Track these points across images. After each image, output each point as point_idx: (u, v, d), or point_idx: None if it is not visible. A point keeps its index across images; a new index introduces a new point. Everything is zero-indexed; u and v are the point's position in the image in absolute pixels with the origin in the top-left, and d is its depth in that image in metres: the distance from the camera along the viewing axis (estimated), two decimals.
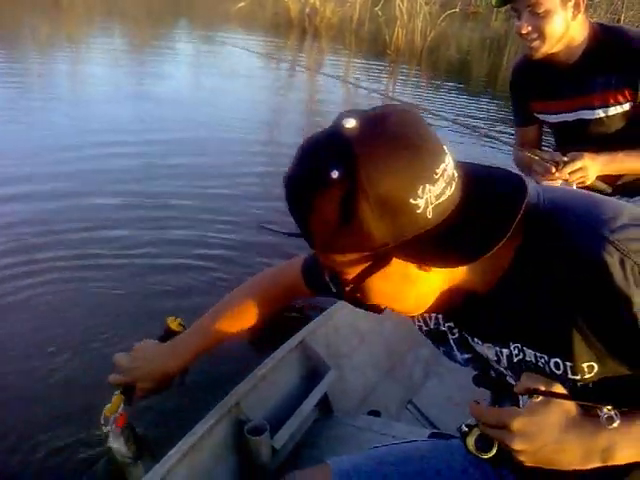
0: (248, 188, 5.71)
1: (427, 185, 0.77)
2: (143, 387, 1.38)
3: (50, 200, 4.76)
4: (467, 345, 1.05)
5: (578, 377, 0.87)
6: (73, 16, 18.13)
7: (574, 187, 1.92)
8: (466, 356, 1.07)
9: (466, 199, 0.82)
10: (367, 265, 0.84)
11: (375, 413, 2.06)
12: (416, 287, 0.88)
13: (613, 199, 0.90)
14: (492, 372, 1.06)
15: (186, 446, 1.41)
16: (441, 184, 0.79)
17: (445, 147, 0.82)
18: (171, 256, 4.00)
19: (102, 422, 1.38)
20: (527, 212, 0.82)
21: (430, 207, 0.78)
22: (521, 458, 0.84)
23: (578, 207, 0.85)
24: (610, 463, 0.82)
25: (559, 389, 0.86)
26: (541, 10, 1.90)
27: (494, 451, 0.89)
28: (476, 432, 0.91)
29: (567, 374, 0.87)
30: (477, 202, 0.82)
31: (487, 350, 1.00)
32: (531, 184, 0.87)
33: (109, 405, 1.38)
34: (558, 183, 1.95)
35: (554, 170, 1.93)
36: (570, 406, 0.83)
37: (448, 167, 0.80)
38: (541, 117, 2.27)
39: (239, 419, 1.60)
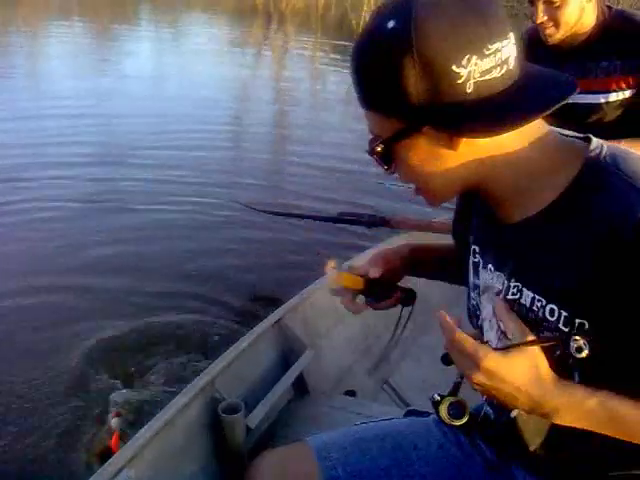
0: (217, 164, 5.75)
1: (474, 57, 0.78)
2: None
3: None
4: (478, 273, 1.05)
5: (567, 330, 0.86)
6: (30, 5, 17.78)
7: None
8: (477, 282, 1.06)
9: (510, 88, 0.82)
10: (400, 129, 0.85)
11: (351, 393, 2.06)
12: (443, 166, 0.88)
13: None
14: (476, 318, 1.07)
15: (158, 424, 1.39)
16: (490, 62, 0.79)
17: (510, 33, 0.82)
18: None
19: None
20: (587, 160, 0.84)
21: (472, 81, 0.79)
22: (474, 387, 0.86)
23: (635, 168, 0.84)
24: (555, 420, 0.85)
25: (530, 338, 0.86)
26: (557, 2, 1.89)
27: (466, 418, 0.92)
28: (448, 401, 0.93)
29: (559, 323, 0.87)
30: (518, 91, 0.82)
31: (496, 279, 0.99)
32: (597, 140, 0.88)
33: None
34: None
35: None
36: (540, 361, 0.83)
37: (504, 50, 0.80)
38: None
39: (213, 397, 1.58)
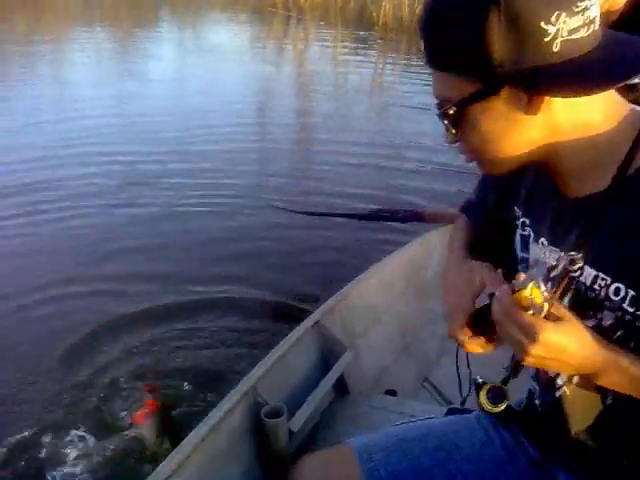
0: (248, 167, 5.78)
1: (563, 14, 0.74)
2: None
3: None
4: (527, 247, 1.03)
5: (632, 309, 0.85)
6: (52, 12, 18.11)
7: None
8: (525, 255, 1.05)
9: (596, 49, 0.79)
10: (476, 90, 0.81)
11: (391, 392, 2.06)
12: (517, 131, 0.84)
13: None
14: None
15: (203, 430, 1.41)
16: (578, 20, 0.76)
17: None
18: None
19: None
20: None
21: (559, 40, 0.75)
22: (528, 360, 0.83)
23: None
24: (591, 381, 0.85)
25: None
26: None
27: (504, 405, 0.92)
28: (489, 385, 0.93)
29: (624, 302, 0.86)
30: (605, 52, 0.79)
31: (549, 254, 0.97)
32: None
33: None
34: None
35: None
36: (582, 325, 0.83)
37: (592, 9, 0.77)
38: None
39: (256, 402, 1.60)
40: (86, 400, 2.63)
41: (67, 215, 4.57)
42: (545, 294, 0.81)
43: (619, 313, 0.86)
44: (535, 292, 0.91)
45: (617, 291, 0.86)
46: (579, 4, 0.75)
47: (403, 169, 5.74)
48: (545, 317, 0.81)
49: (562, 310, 0.83)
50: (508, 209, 1.09)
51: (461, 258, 1.22)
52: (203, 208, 4.76)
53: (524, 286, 0.80)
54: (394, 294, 2.41)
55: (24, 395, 2.69)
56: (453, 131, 0.87)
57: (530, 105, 0.81)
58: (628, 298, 0.85)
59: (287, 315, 3.15)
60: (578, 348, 0.81)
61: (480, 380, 0.94)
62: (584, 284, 0.90)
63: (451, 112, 0.84)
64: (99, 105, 7.95)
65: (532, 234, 1.01)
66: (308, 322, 1.95)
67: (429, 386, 2.25)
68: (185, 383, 2.67)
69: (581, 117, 0.84)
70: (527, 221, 1.03)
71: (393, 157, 6.28)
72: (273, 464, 1.57)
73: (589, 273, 0.89)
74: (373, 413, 1.86)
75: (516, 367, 0.94)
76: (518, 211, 1.06)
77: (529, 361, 0.83)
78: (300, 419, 1.62)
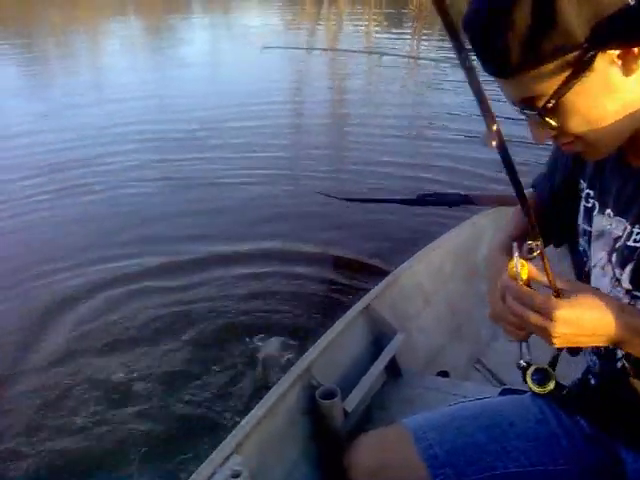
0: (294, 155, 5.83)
1: None
2: None
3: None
4: (591, 219, 1.03)
5: None
6: (86, 5, 18.53)
7: None
8: (587, 228, 1.05)
9: None
10: (569, 73, 0.79)
11: (443, 374, 2.08)
12: (618, 99, 0.83)
13: None
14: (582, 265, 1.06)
15: (261, 411, 1.47)
16: None
17: None
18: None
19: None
20: None
21: None
22: (555, 341, 0.84)
23: None
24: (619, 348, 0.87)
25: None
26: None
27: (551, 386, 0.93)
28: (532, 368, 0.94)
29: None
30: None
31: (615, 225, 0.97)
32: None
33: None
34: None
35: None
36: (601, 293, 0.84)
37: None
38: None
39: (310, 384, 1.65)
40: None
41: (112, 187, 5.02)
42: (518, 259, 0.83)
43: None
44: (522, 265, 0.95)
45: None
46: None
47: (443, 151, 5.69)
48: (556, 295, 0.82)
49: (571, 283, 0.85)
50: (575, 182, 1.09)
51: (499, 244, 1.23)
52: (245, 193, 4.90)
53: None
54: (444, 277, 2.42)
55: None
56: (554, 124, 0.85)
57: (625, 64, 0.79)
58: None
59: (337, 300, 3.21)
60: (598, 316, 0.82)
61: (524, 363, 0.95)
62: None
63: (550, 106, 0.82)
64: (136, 88, 8.42)
65: (597, 206, 1.01)
66: (359, 306, 1.98)
67: (481, 367, 2.27)
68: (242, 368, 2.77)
69: None
70: (591, 193, 1.03)
71: (433, 138, 6.26)
72: (329, 444, 1.61)
73: None
74: (426, 394, 1.89)
75: (553, 360, 0.97)
76: (583, 183, 1.07)
77: (557, 342, 0.84)
78: (354, 400, 1.66)
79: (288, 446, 1.55)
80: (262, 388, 2.43)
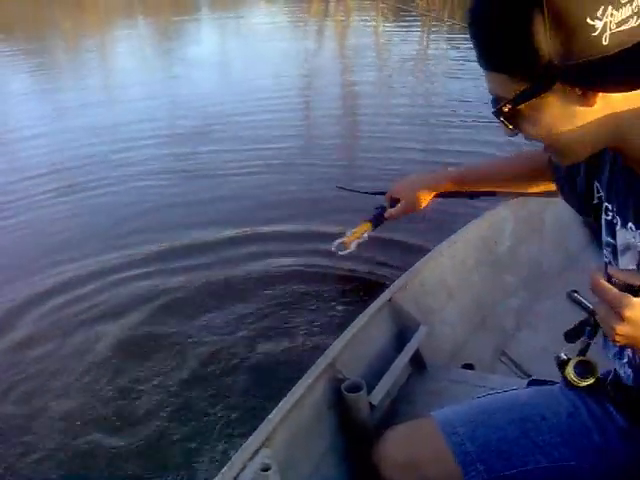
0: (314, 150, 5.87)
1: (610, 7, 0.74)
2: (403, 198, 1.65)
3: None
4: (614, 232, 1.02)
5: None
6: (94, 10, 18.73)
7: None
8: (610, 241, 1.05)
9: None
10: (529, 88, 0.82)
11: (469, 366, 2.07)
12: (576, 124, 0.85)
13: None
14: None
15: (288, 405, 1.47)
16: (627, 11, 0.75)
17: None
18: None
19: (335, 248, 1.64)
20: None
21: (608, 33, 0.75)
22: (617, 338, 0.83)
23: None
24: None
25: None
26: None
27: (593, 379, 0.93)
28: (575, 360, 0.93)
29: None
30: None
31: (638, 238, 0.96)
32: None
33: (351, 233, 1.64)
34: None
35: None
36: None
37: None
38: None
39: (336, 377, 1.65)
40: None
41: (128, 180, 5.19)
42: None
43: None
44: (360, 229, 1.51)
45: None
46: None
47: (457, 141, 5.68)
48: (635, 293, 0.80)
49: None
50: (590, 183, 1.08)
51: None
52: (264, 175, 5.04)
53: None
54: (467, 269, 2.41)
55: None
56: (510, 127, 0.89)
57: (585, 98, 0.81)
58: None
59: (359, 293, 3.21)
60: None
61: (565, 356, 0.94)
62: None
63: (506, 110, 0.86)
64: (146, 88, 8.63)
65: (618, 220, 1.00)
66: (381, 299, 1.98)
67: (507, 360, 2.25)
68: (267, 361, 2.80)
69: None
70: (610, 206, 1.02)
71: (445, 124, 6.29)
72: (356, 437, 1.61)
73: None
74: (452, 387, 1.88)
75: (584, 348, 0.95)
76: (600, 192, 1.05)
77: (620, 340, 0.83)
78: (380, 393, 1.66)
79: (315, 440, 1.55)
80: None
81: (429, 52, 10.88)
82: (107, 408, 2.61)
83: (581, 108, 0.83)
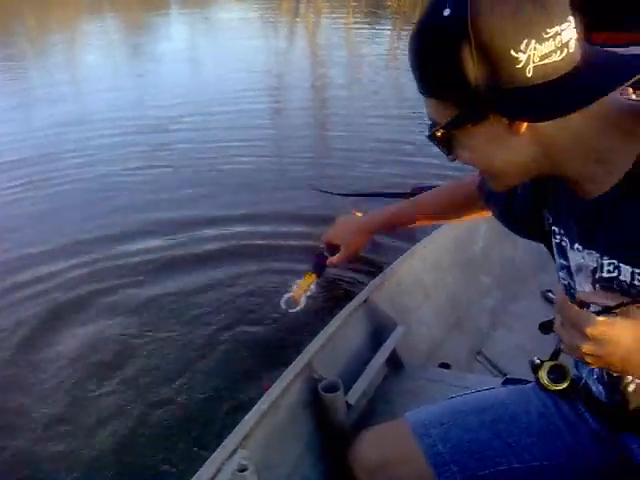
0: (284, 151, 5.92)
1: (533, 41, 0.78)
2: (343, 244, 1.67)
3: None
4: (565, 254, 1.04)
5: None
6: (61, 7, 18.59)
7: None
8: (564, 263, 1.06)
9: (572, 71, 0.82)
10: (459, 115, 0.86)
11: (445, 366, 2.09)
12: (506, 152, 0.88)
13: None
14: (571, 296, 1.05)
15: (264, 405, 1.47)
16: (549, 46, 0.79)
17: (570, 16, 0.81)
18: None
19: (284, 305, 1.66)
20: None
21: (531, 65, 0.79)
22: (587, 359, 0.84)
23: None
24: None
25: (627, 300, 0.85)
26: None
27: (567, 383, 0.93)
28: (548, 365, 0.93)
29: None
30: (581, 74, 0.82)
31: (587, 258, 0.98)
32: None
33: (297, 286, 1.66)
34: None
35: None
36: None
37: (563, 33, 0.80)
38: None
39: (312, 377, 1.65)
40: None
41: (99, 174, 5.23)
42: None
43: None
44: (306, 281, 1.68)
45: None
46: (548, 30, 0.78)
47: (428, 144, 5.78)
48: (598, 312, 0.81)
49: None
50: (539, 211, 1.11)
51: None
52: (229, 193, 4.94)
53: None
54: (443, 269, 2.43)
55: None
56: (445, 151, 0.94)
57: (512, 128, 0.84)
58: None
59: (335, 293, 3.22)
60: (631, 340, 0.81)
61: (538, 361, 0.94)
62: (625, 282, 0.91)
63: (439, 134, 0.90)
64: (115, 82, 8.75)
65: (567, 242, 1.02)
66: (358, 299, 1.98)
67: (482, 359, 2.28)
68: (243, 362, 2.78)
69: (571, 127, 0.85)
70: (557, 229, 1.05)
71: (413, 125, 6.35)
72: (333, 437, 1.61)
73: (626, 270, 0.90)
74: (429, 386, 1.89)
75: (556, 352, 0.95)
76: (549, 217, 1.08)
77: (589, 360, 0.84)
78: (357, 392, 1.66)
79: (292, 440, 1.55)
80: None
81: (398, 51, 10.95)
82: (70, 408, 2.58)
83: (510, 137, 0.86)
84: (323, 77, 9.01)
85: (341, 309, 1.93)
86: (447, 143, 0.91)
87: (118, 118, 6.64)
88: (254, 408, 1.46)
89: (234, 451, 1.32)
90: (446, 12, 0.81)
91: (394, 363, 1.97)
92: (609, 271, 0.93)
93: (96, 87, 8.33)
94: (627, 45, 2.07)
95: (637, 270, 0.89)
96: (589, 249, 0.97)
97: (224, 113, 6.76)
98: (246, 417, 1.43)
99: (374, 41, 11.71)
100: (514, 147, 0.87)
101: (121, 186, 4.89)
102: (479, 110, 0.84)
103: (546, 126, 0.84)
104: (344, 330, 1.86)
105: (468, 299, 2.45)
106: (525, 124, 0.84)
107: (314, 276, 1.71)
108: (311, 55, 10.77)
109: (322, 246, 1.73)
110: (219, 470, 1.26)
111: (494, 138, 0.87)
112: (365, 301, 2.00)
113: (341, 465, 1.44)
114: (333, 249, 1.70)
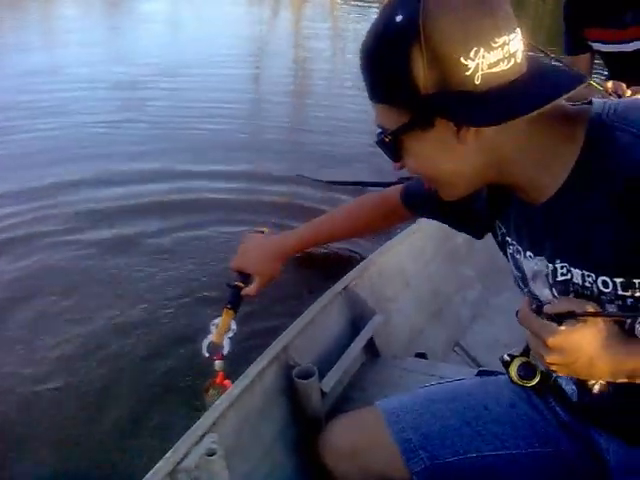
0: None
1: (481, 50, 0.80)
2: (257, 273, 1.58)
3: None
4: (519, 263, 1.06)
5: (629, 293, 0.88)
6: None
7: None
8: (518, 273, 1.09)
9: (517, 80, 0.84)
10: (408, 121, 0.87)
11: (422, 356, 2.09)
12: (453, 159, 0.90)
13: None
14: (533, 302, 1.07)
15: (237, 390, 1.46)
16: (497, 55, 0.81)
17: (517, 27, 0.84)
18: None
19: (207, 352, 1.54)
20: (590, 122, 0.85)
21: (479, 73, 0.81)
22: (552, 368, 0.87)
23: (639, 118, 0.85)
24: (636, 381, 0.86)
25: (592, 308, 0.87)
26: None
27: (537, 379, 0.93)
28: (518, 361, 0.94)
29: (617, 290, 0.88)
30: (526, 82, 0.84)
31: (540, 264, 1.00)
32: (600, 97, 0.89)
33: (217, 327, 1.55)
34: None
35: None
36: (606, 326, 0.84)
37: (511, 43, 0.82)
38: (595, 46, 2.19)
39: (287, 364, 1.64)
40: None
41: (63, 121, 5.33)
42: None
43: (619, 302, 0.89)
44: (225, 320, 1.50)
45: (605, 284, 0.89)
46: (497, 40, 0.81)
47: None
48: (559, 321, 0.83)
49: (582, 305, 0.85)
50: (492, 222, 1.13)
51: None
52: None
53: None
54: (424, 260, 2.43)
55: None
56: (393, 158, 0.95)
57: (459, 135, 0.85)
58: (619, 285, 0.88)
59: (314, 281, 3.21)
60: (593, 348, 0.83)
61: (507, 358, 0.95)
62: (578, 284, 0.93)
63: (387, 140, 0.90)
64: (90, 36, 8.84)
65: (520, 251, 1.04)
66: (337, 287, 1.98)
67: (460, 350, 2.28)
68: None
69: (510, 136, 0.87)
70: (510, 240, 1.07)
71: None
72: (307, 424, 1.61)
73: (576, 273, 0.92)
74: (404, 375, 1.90)
75: (528, 347, 0.95)
76: (502, 227, 1.10)
77: (555, 369, 0.86)
78: (331, 379, 1.66)
79: (265, 426, 1.55)
80: None
81: None
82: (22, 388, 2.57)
83: (457, 144, 0.86)
84: (306, 48, 8.99)
85: (320, 297, 1.93)
86: (395, 150, 0.92)
87: (92, 72, 6.74)
88: (226, 392, 1.45)
89: (203, 435, 1.31)
90: (398, 18, 0.82)
91: (371, 352, 1.97)
92: (562, 274, 0.95)
93: (71, 40, 8.29)
94: (615, 42, 2.08)
95: (586, 272, 0.91)
96: (540, 255, 0.99)
97: (201, 75, 6.89)
98: (217, 401, 1.42)
99: (360, 15, 11.65)
100: (461, 155, 0.88)
101: (89, 137, 5.01)
102: (428, 116, 0.85)
103: (492, 134, 0.85)
104: (322, 317, 1.86)
105: (449, 290, 2.45)
106: (472, 132, 0.85)
107: (231, 313, 1.59)
108: (295, 26, 10.74)
109: (232, 274, 1.62)
110: (187, 454, 1.26)
111: (441, 145, 0.88)
112: (345, 289, 1.99)
113: (314, 452, 1.45)
114: (246, 276, 1.59)
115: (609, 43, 2.12)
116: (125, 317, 2.91)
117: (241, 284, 1.59)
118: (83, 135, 5.07)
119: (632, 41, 2.03)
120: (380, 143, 0.92)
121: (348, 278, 2.03)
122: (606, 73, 2.39)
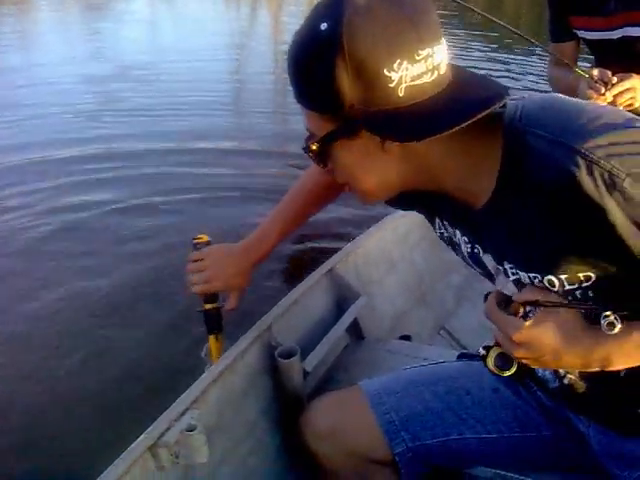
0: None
1: (405, 62, 0.79)
2: (231, 290, 1.53)
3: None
4: (478, 260, 1.06)
5: (575, 286, 0.88)
6: None
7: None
8: (480, 270, 1.09)
9: (441, 93, 0.84)
10: (334, 129, 0.87)
11: (406, 338, 2.10)
12: (377, 168, 0.90)
13: (599, 104, 0.89)
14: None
15: (219, 368, 1.47)
16: (421, 67, 0.81)
17: (442, 38, 0.83)
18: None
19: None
20: (505, 129, 0.85)
21: (403, 85, 0.80)
22: (523, 362, 0.89)
23: (551, 119, 0.84)
24: (609, 369, 0.86)
25: (556, 298, 0.88)
26: None
27: (514, 369, 0.94)
28: (494, 352, 0.94)
29: (564, 287, 0.89)
30: (449, 96, 0.84)
31: (493, 262, 1.01)
32: (514, 99, 0.87)
33: (207, 351, 1.57)
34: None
35: (603, 90, 1.85)
36: (569, 317, 0.85)
37: (435, 56, 0.82)
38: (580, 33, 2.18)
39: (270, 344, 1.65)
40: None
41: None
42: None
43: (570, 296, 0.90)
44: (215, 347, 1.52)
45: (551, 282, 0.89)
46: (420, 52, 0.80)
47: None
48: (524, 315, 0.85)
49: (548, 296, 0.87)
50: (433, 220, 1.12)
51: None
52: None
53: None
54: (410, 244, 2.44)
55: None
56: (319, 164, 0.95)
57: (384, 146, 0.85)
58: (565, 281, 0.88)
59: (300, 262, 3.22)
60: (558, 339, 0.84)
61: (483, 351, 0.95)
62: (529, 283, 0.93)
63: (314, 147, 0.90)
64: (69, 36, 8.93)
65: (479, 249, 1.03)
66: (322, 269, 1.98)
67: (445, 333, 2.30)
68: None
69: (435, 149, 0.87)
70: (466, 239, 1.05)
71: None
72: (289, 403, 1.62)
73: (523, 275, 0.93)
74: (388, 357, 1.91)
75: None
76: (442, 228, 1.09)
77: (526, 362, 0.89)
78: (314, 359, 1.67)
79: (248, 404, 1.56)
80: None
81: None
82: None
83: (382, 154, 0.87)
84: (285, 43, 8.99)
85: (305, 277, 1.94)
86: (322, 156, 0.92)
87: (68, 70, 6.87)
88: (207, 371, 1.46)
89: (184, 411, 1.32)
90: (323, 26, 0.81)
91: (355, 334, 1.99)
92: (513, 274, 0.95)
93: (49, 39, 8.33)
94: (600, 30, 2.08)
95: (531, 274, 0.91)
96: (489, 254, 1.00)
97: (181, 69, 7.04)
98: (200, 378, 1.43)
99: None
100: (385, 164, 0.89)
101: (72, 126, 5.22)
102: (353, 126, 0.85)
103: (417, 145, 0.84)
104: (306, 298, 1.86)
105: (434, 274, 2.46)
106: (396, 144, 0.85)
107: (217, 334, 1.57)
108: (274, 23, 10.77)
109: (200, 298, 1.54)
110: (168, 429, 1.26)
111: (367, 156, 0.88)
112: (330, 270, 2.00)
113: (297, 431, 1.46)
114: (214, 295, 1.53)
115: (594, 31, 2.12)
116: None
117: (215, 305, 1.54)
118: (63, 124, 5.30)
119: (617, 28, 2.03)
120: (306, 149, 0.93)
121: (333, 260, 2.04)
122: (589, 62, 2.39)
